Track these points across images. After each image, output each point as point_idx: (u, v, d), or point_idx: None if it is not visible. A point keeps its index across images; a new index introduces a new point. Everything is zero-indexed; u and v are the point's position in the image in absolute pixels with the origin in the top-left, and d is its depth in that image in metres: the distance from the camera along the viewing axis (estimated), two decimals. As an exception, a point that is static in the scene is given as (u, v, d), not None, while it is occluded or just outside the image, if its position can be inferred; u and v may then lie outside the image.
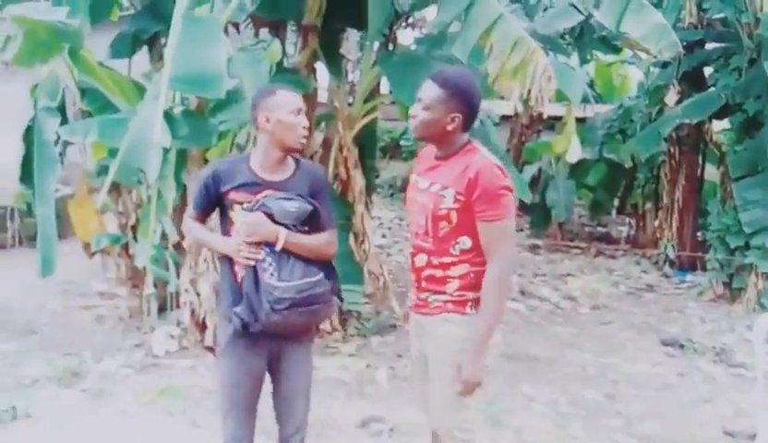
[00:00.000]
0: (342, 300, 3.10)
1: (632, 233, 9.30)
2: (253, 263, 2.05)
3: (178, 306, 4.42)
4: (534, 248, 8.65)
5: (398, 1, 4.49)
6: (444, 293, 2.07)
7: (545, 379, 4.06)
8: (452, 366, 2.04)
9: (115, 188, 4.62)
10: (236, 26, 4.97)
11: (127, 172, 3.60)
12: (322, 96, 5.27)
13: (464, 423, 2.07)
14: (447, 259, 2.05)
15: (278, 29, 4.92)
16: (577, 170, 9.32)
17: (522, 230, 9.71)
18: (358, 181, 4.80)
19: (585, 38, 7.61)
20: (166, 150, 3.40)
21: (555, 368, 4.27)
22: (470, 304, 2.04)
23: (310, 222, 2.18)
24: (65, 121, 4.61)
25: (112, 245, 4.81)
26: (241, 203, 2.13)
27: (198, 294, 4.14)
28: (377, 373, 4.04)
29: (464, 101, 2.01)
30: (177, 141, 3.46)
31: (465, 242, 2.02)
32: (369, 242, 4.95)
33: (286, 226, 2.10)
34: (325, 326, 4.60)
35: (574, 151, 4.23)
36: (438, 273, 2.07)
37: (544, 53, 3.08)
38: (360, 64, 5.51)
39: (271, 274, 2.05)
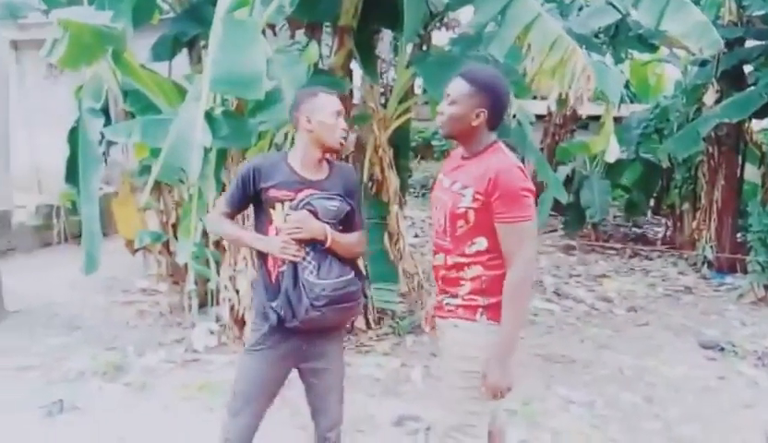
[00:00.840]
0: (366, 298, 3.03)
1: (669, 233, 9.12)
2: (297, 260, 2.10)
3: (218, 303, 4.51)
4: (568, 249, 8.56)
5: (432, 2, 4.49)
6: (456, 296, 2.07)
7: (581, 381, 4.03)
8: (455, 372, 2.06)
9: (157, 187, 4.74)
10: (273, 28, 5.04)
11: (169, 171, 3.67)
12: (356, 96, 5.32)
13: (470, 427, 2.06)
14: (461, 259, 2.04)
15: (313, 31, 4.97)
16: (612, 170, 9.21)
17: (555, 230, 9.62)
18: (393, 181, 4.83)
19: (620, 36, 7.51)
20: (207, 150, 3.48)
21: (591, 370, 4.23)
22: (480, 310, 2.02)
23: (345, 222, 2.25)
24: (108, 122, 4.75)
25: (153, 243, 4.93)
26: (282, 201, 2.17)
27: (237, 291, 4.22)
28: (411, 372, 4.06)
29: (490, 96, 2.01)
30: (218, 141, 3.53)
31: (481, 242, 2.01)
32: (404, 241, 4.97)
33: (328, 224, 2.15)
34: (360, 324, 4.64)
35: (612, 151, 4.18)
36: (453, 274, 2.07)
37: (583, 51, 3.06)
38: (394, 64, 5.53)
39: (311, 272, 2.11)
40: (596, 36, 6.50)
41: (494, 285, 2.00)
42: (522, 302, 2.01)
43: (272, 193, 2.18)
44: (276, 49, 4.03)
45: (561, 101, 3.48)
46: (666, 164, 8.63)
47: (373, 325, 4.71)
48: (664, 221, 9.84)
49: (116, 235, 5.69)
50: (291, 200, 2.18)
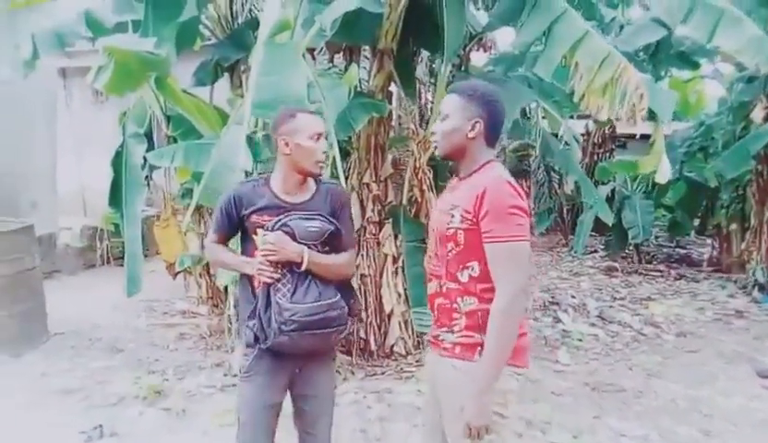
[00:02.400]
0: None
1: (715, 255, 8.81)
2: (272, 281, 2.05)
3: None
4: (610, 271, 8.33)
5: (471, 22, 4.45)
6: (452, 331, 1.91)
7: (633, 412, 3.85)
8: (461, 420, 1.86)
9: (198, 210, 4.77)
10: (312, 52, 5.08)
11: (210, 194, 3.68)
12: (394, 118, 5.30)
13: None
14: (453, 286, 1.89)
15: (351, 54, 4.99)
16: (654, 189, 8.98)
17: (595, 251, 9.40)
18: (432, 202, 4.76)
19: (661, 54, 7.35)
20: (248, 174, 3.48)
21: (642, 400, 4.05)
22: (479, 349, 1.85)
23: (331, 242, 2.18)
24: (151, 146, 4.83)
25: (194, 266, 4.96)
26: (264, 226, 2.12)
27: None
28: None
29: (485, 106, 1.90)
30: (259, 165, 3.53)
31: (474, 268, 1.85)
32: (443, 264, 4.88)
33: (307, 246, 2.09)
34: (399, 349, 4.56)
35: (664, 172, 4.04)
36: (446, 303, 1.93)
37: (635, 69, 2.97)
38: (432, 86, 5.50)
39: (284, 295, 2.05)
40: (636, 54, 6.38)
41: None
42: (507, 334, 1.79)
43: (254, 219, 2.14)
44: (317, 72, 4.04)
45: (605, 121, 3.38)
46: (714, 183, 8.36)
47: (413, 350, 4.61)
48: (709, 241, 9.52)
49: (158, 258, 5.76)
50: None
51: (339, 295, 2.11)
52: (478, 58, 6.41)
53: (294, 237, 2.08)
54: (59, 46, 4.87)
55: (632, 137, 10.65)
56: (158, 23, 4.35)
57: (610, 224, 6.91)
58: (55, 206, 7.48)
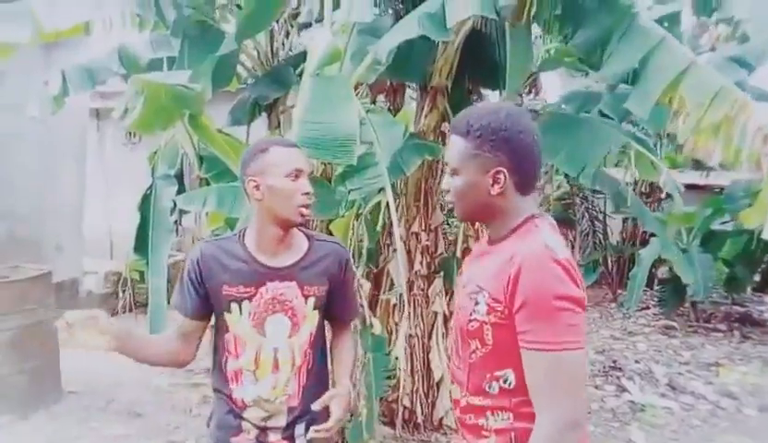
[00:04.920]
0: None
1: (780, 314, 8.11)
2: None
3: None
4: (667, 330, 7.69)
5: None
6: None
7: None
8: None
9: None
10: (354, 89, 4.73)
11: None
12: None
13: None
14: (479, 402, 1.37)
15: (396, 94, 4.65)
16: (711, 242, 8.37)
17: (647, 308, 8.75)
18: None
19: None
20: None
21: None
22: None
23: (329, 311, 1.83)
24: (182, 188, 4.48)
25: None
26: (238, 300, 1.68)
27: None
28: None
29: (502, 144, 1.34)
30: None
31: (509, 378, 1.33)
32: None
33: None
34: (449, 422, 4.05)
35: (771, 227, 3.50)
36: (471, 420, 1.41)
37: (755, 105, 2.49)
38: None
39: None
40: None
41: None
42: None
43: (226, 290, 1.67)
44: (369, 109, 3.66)
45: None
46: (778, 237, 7.70)
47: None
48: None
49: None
50: (250, 298, 1.66)
51: None
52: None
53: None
54: (90, 83, 4.62)
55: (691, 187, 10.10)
56: (193, 57, 4.07)
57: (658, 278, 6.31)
58: (81, 249, 7.18)
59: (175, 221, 4.51)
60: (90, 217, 7.55)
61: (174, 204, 4.25)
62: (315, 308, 1.75)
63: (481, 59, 3.99)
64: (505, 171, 1.35)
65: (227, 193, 3.75)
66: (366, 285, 3.71)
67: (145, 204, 4.43)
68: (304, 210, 1.67)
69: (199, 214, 4.67)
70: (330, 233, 3.67)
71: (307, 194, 1.67)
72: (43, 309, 4.34)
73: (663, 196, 10.41)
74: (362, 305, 3.70)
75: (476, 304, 1.33)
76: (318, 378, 1.81)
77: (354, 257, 3.73)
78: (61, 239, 6.76)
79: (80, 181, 7.20)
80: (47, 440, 3.88)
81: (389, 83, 4.59)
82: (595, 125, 3.27)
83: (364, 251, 3.68)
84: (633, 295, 7.98)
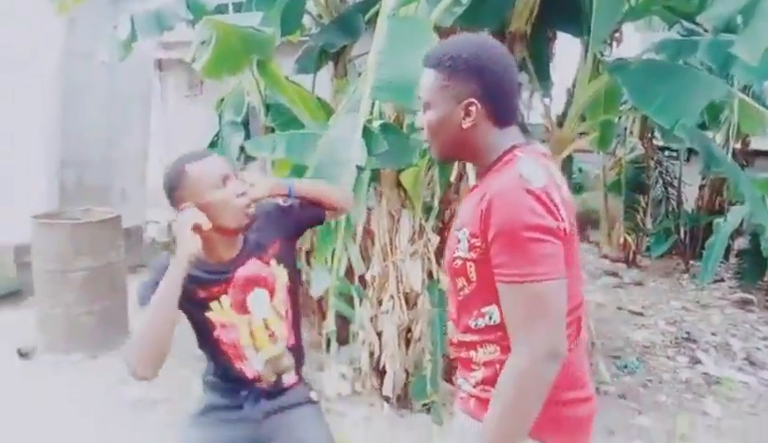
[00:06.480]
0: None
1: None
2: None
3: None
4: (743, 303, 7.26)
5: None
6: (468, 381, 1.40)
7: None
8: None
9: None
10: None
11: (314, 192, 3.20)
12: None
13: None
14: (469, 338, 1.37)
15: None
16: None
17: (722, 280, 8.30)
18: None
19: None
20: (360, 169, 2.94)
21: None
22: None
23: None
24: (247, 136, 4.43)
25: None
26: (216, 298, 1.73)
27: (380, 334, 3.63)
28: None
29: (474, 75, 1.28)
30: (374, 159, 2.98)
31: (493, 314, 1.30)
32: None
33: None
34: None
35: None
36: (463, 353, 1.42)
37: None
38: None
39: None
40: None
41: None
42: (522, 399, 1.22)
43: (202, 295, 1.71)
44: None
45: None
46: None
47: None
48: None
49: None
50: (226, 292, 1.74)
51: None
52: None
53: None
54: (157, 28, 4.57)
55: (764, 153, 9.45)
56: (261, 3, 3.94)
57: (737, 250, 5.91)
58: (144, 199, 7.31)
59: (241, 169, 4.47)
60: (152, 167, 7.66)
61: (242, 150, 4.20)
62: (279, 263, 1.81)
63: (564, 3, 3.72)
64: (477, 102, 1.30)
65: (297, 140, 3.66)
66: (435, 239, 3.58)
67: (212, 150, 4.39)
68: (247, 210, 1.69)
69: (265, 163, 4.61)
70: (400, 184, 3.55)
71: (243, 194, 1.68)
72: (114, 252, 4.41)
73: (744, 162, 9.82)
74: (430, 259, 3.59)
75: (458, 241, 1.32)
76: (295, 304, 1.89)
77: (421, 210, 3.60)
78: (126, 188, 6.90)
79: (145, 131, 7.29)
80: (119, 379, 3.96)
81: (459, 30, 4.36)
82: (694, 73, 2.98)
83: (434, 204, 3.54)
84: (709, 266, 7.55)
